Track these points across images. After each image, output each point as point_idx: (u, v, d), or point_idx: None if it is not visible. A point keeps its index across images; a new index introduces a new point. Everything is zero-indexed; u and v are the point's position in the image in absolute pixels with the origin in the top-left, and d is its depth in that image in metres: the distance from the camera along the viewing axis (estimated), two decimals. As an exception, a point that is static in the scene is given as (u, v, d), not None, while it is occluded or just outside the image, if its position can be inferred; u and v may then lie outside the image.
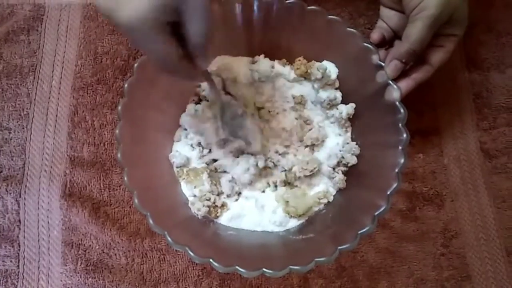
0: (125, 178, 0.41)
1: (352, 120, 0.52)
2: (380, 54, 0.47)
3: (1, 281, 0.52)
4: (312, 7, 0.47)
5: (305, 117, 0.53)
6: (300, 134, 0.52)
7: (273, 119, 0.53)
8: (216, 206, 0.48)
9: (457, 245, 0.54)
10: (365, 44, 0.46)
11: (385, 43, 0.50)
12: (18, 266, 0.52)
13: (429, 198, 0.55)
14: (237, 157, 0.50)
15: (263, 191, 0.50)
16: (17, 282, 0.52)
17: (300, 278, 0.52)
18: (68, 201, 0.53)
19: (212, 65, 0.51)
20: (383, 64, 0.46)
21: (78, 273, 0.52)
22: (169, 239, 0.39)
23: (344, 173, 0.50)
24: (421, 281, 0.52)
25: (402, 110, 0.44)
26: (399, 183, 0.42)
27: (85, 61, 0.59)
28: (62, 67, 0.59)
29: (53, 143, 0.56)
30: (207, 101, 0.52)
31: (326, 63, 0.52)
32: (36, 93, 0.58)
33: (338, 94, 0.52)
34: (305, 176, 0.50)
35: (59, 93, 0.58)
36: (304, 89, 0.54)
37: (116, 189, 0.55)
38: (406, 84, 0.46)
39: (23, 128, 0.57)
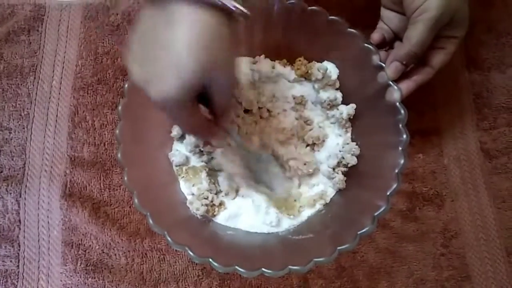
0: (125, 178, 0.41)
1: (352, 120, 0.52)
2: (381, 55, 0.47)
3: (1, 281, 0.52)
4: (313, 7, 0.47)
5: (306, 117, 0.53)
6: (300, 134, 0.52)
7: (273, 119, 0.53)
8: (214, 204, 0.48)
9: (457, 245, 0.54)
10: (366, 44, 0.46)
11: (386, 44, 0.50)
12: (18, 266, 0.53)
13: (429, 198, 0.55)
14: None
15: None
16: (17, 282, 0.52)
17: (300, 278, 0.52)
18: (68, 201, 0.54)
19: None
20: (383, 65, 0.46)
21: (78, 273, 0.52)
22: (168, 239, 0.39)
23: (344, 173, 0.50)
24: (421, 281, 0.52)
25: (402, 111, 0.44)
26: (399, 184, 0.42)
27: (85, 61, 0.59)
28: (63, 67, 0.59)
29: (54, 143, 0.57)
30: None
31: (326, 64, 0.52)
32: (36, 93, 0.58)
33: (339, 95, 0.52)
34: (304, 175, 0.50)
35: (59, 93, 0.58)
36: (305, 89, 0.54)
37: (116, 189, 0.55)
38: (406, 85, 0.46)
39: (24, 128, 0.57)
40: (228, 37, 0.32)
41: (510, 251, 0.54)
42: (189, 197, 0.49)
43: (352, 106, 0.51)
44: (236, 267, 0.39)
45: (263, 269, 0.39)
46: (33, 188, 0.55)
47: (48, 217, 0.54)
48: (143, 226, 0.53)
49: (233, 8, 0.31)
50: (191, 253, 0.39)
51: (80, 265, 0.52)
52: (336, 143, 0.52)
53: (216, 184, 0.50)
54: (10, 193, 0.54)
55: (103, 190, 0.55)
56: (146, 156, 0.47)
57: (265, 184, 0.50)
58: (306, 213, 0.49)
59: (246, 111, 0.53)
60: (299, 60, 0.52)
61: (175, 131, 0.51)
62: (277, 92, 0.53)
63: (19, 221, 0.54)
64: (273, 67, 0.53)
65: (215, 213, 0.49)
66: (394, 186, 0.42)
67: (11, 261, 0.53)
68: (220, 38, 0.31)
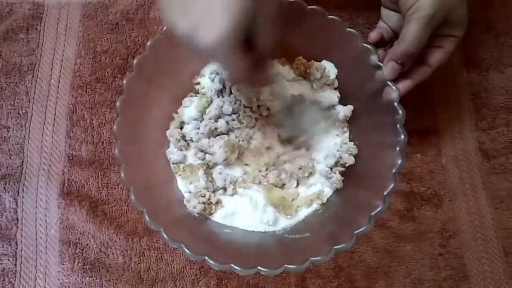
0: (122, 175, 0.41)
1: (350, 120, 0.52)
2: (380, 54, 0.47)
3: (-1, 279, 0.52)
4: (312, 6, 0.47)
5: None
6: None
7: (272, 118, 0.53)
8: (211, 203, 0.48)
9: (454, 245, 0.54)
10: (365, 44, 0.46)
11: (385, 43, 0.50)
12: (15, 264, 0.53)
13: (427, 198, 0.55)
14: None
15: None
16: (15, 280, 0.52)
17: (298, 278, 0.52)
18: (66, 200, 0.54)
19: (211, 64, 0.52)
20: (381, 64, 0.46)
21: (76, 271, 0.52)
22: (165, 236, 0.39)
23: (342, 173, 0.50)
24: (418, 281, 0.52)
25: (400, 111, 0.44)
26: (396, 184, 0.42)
27: (84, 59, 0.59)
28: (61, 66, 0.59)
29: (52, 141, 0.57)
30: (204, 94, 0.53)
31: (325, 63, 0.52)
32: (34, 92, 0.58)
33: (336, 95, 0.52)
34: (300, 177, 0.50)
35: (57, 92, 0.58)
36: (303, 88, 0.54)
37: (114, 188, 0.55)
38: (404, 84, 0.46)
39: (22, 127, 0.57)
40: None
41: (508, 251, 0.54)
42: (186, 195, 0.49)
43: (350, 108, 0.51)
44: (232, 265, 0.39)
45: (259, 267, 0.39)
46: (31, 186, 0.55)
47: (45, 215, 0.54)
48: (140, 225, 0.53)
49: None
50: (187, 250, 0.39)
51: (78, 264, 0.52)
52: (334, 143, 0.52)
53: (213, 182, 0.50)
54: (8, 192, 0.54)
55: (101, 189, 0.55)
56: (143, 153, 0.47)
57: (307, 132, 0.51)
58: (303, 212, 0.49)
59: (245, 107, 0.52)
60: (298, 59, 0.52)
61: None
62: (276, 91, 0.53)
63: (17, 219, 0.54)
64: (272, 66, 0.53)
65: (212, 211, 0.48)
66: (392, 186, 0.42)
67: (8, 259, 0.53)
68: None
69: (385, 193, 0.41)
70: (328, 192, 0.50)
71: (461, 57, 0.60)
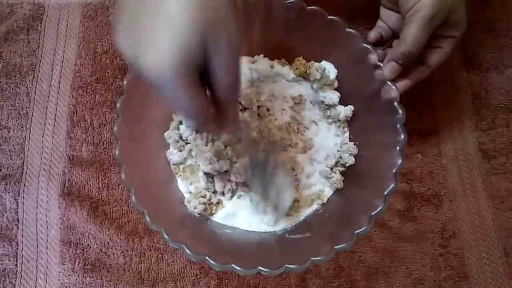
0: (123, 176, 0.41)
1: (351, 120, 0.52)
2: (379, 53, 0.47)
3: (-1, 280, 0.52)
4: (312, 7, 0.47)
5: (303, 117, 0.53)
6: (298, 133, 0.52)
7: (271, 118, 0.53)
8: (212, 203, 0.48)
9: (455, 245, 0.54)
10: (364, 44, 0.47)
11: (384, 43, 0.50)
12: (16, 265, 0.53)
13: (427, 198, 0.55)
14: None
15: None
16: (15, 281, 0.52)
17: (298, 278, 0.52)
18: (66, 200, 0.54)
19: None
20: (381, 64, 0.46)
21: (76, 272, 0.52)
22: (166, 236, 0.39)
23: (342, 173, 0.50)
24: (419, 281, 0.52)
25: (400, 111, 0.44)
26: (397, 184, 0.42)
27: (84, 60, 0.59)
28: (62, 66, 0.59)
29: (52, 142, 0.57)
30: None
31: (325, 64, 0.52)
32: (35, 92, 0.58)
33: (337, 95, 0.52)
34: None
35: (58, 92, 0.58)
36: (303, 89, 0.54)
37: (115, 188, 0.55)
38: (402, 84, 0.46)
39: (22, 127, 0.57)
40: None
41: (508, 251, 0.54)
42: (186, 196, 0.49)
43: (350, 108, 0.51)
44: (233, 265, 0.39)
45: (260, 267, 0.39)
46: (31, 187, 0.55)
47: (46, 216, 0.54)
48: (141, 225, 0.53)
49: None
50: (188, 251, 0.39)
51: (78, 264, 0.52)
52: (334, 143, 0.52)
53: (213, 183, 0.50)
54: (9, 192, 0.54)
55: (101, 189, 0.55)
56: (144, 154, 0.47)
57: (272, 195, 0.46)
58: (304, 212, 0.50)
59: (245, 109, 0.52)
60: (298, 60, 0.52)
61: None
62: (276, 91, 0.53)
63: (18, 220, 0.54)
64: (272, 67, 0.53)
65: (212, 212, 0.49)
66: (392, 186, 0.42)
67: (9, 260, 0.53)
68: None
69: (385, 193, 0.41)
70: (328, 192, 0.50)
71: (461, 57, 0.60)
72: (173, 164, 0.51)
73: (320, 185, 0.51)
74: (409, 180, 0.56)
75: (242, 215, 0.49)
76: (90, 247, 0.53)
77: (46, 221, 0.54)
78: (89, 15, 0.61)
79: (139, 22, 0.28)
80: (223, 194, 0.49)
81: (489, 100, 0.59)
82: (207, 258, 0.39)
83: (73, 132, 0.57)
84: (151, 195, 0.44)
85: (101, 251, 0.53)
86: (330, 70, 0.51)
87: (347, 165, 0.49)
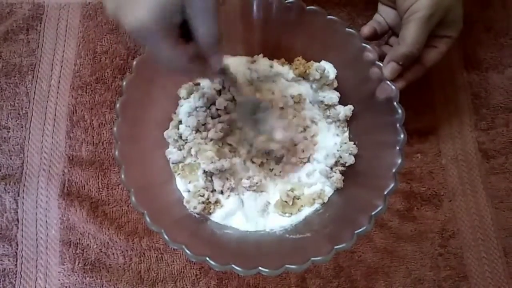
0: (122, 176, 0.41)
1: (350, 120, 0.52)
2: (375, 50, 0.47)
3: (-1, 280, 0.52)
4: (312, 7, 0.47)
5: (303, 117, 0.53)
6: (297, 133, 0.52)
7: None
8: (210, 202, 0.48)
9: (454, 245, 0.54)
10: (364, 44, 0.47)
11: (378, 37, 0.51)
12: (16, 265, 0.53)
13: (427, 198, 0.55)
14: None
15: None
16: (15, 281, 0.52)
17: (298, 278, 0.52)
18: (66, 200, 0.54)
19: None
20: (377, 61, 0.46)
21: (76, 272, 0.52)
22: (166, 237, 0.39)
23: (342, 172, 0.50)
24: (418, 281, 0.53)
25: (399, 111, 0.44)
26: (396, 183, 0.42)
27: (84, 60, 0.59)
28: (61, 66, 0.59)
29: (52, 142, 0.57)
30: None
31: (324, 64, 0.52)
32: (35, 92, 0.58)
33: (336, 95, 0.52)
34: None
35: (58, 92, 0.58)
36: (303, 88, 0.54)
37: (114, 188, 0.55)
38: (397, 84, 0.46)
39: (22, 127, 0.57)
40: None
41: (508, 251, 0.54)
42: (185, 195, 0.49)
43: (350, 108, 0.51)
44: (233, 265, 0.39)
45: (259, 268, 0.39)
46: (31, 187, 0.55)
47: (46, 216, 0.54)
48: (141, 225, 0.53)
49: None
50: (188, 251, 0.39)
51: (78, 264, 0.52)
52: (334, 143, 0.52)
53: (212, 182, 0.50)
54: (8, 192, 0.54)
55: (101, 189, 0.55)
56: (143, 154, 0.47)
57: (266, 132, 0.48)
58: (304, 212, 0.50)
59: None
60: (297, 60, 0.52)
61: (182, 92, 0.51)
62: (276, 91, 0.53)
63: (17, 220, 0.54)
64: (271, 66, 0.53)
65: (211, 211, 0.49)
66: (392, 185, 0.42)
67: (9, 260, 0.53)
68: None
69: (385, 193, 0.42)
70: (328, 191, 0.50)
71: (460, 57, 0.60)
72: (172, 163, 0.51)
73: (321, 185, 0.51)
74: (409, 180, 0.56)
75: (241, 215, 0.49)
76: (90, 247, 0.53)
77: (46, 221, 0.54)
78: (89, 15, 0.61)
79: None
80: (221, 192, 0.49)
81: (488, 100, 0.59)
82: (207, 258, 0.39)
83: (73, 132, 0.56)
84: (150, 195, 0.44)
85: (101, 251, 0.53)
86: (330, 70, 0.51)
87: (347, 164, 0.49)
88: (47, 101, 0.58)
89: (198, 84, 0.52)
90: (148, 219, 0.40)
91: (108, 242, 0.53)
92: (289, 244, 0.47)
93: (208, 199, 0.48)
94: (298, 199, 0.50)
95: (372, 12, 0.52)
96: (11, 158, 0.56)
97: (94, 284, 0.52)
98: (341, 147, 0.51)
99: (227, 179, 0.49)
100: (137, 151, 0.46)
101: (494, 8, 0.62)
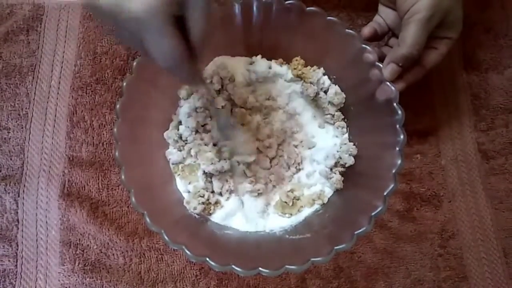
0: (122, 177, 0.41)
1: (350, 120, 0.52)
2: (376, 50, 0.47)
3: (-1, 281, 0.52)
4: (311, 8, 0.47)
5: (302, 116, 0.53)
6: (295, 133, 0.52)
7: (269, 118, 0.53)
8: (210, 203, 0.48)
9: (454, 246, 0.54)
10: (364, 45, 0.47)
11: (379, 38, 0.51)
12: (16, 265, 0.53)
13: (426, 199, 0.55)
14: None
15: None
16: (15, 281, 0.52)
17: (298, 278, 0.52)
18: (66, 201, 0.54)
19: (210, 65, 0.52)
20: (377, 62, 0.46)
21: (76, 272, 0.52)
22: (166, 237, 0.39)
23: (342, 173, 0.50)
24: (418, 281, 0.53)
25: (399, 111, 0.44)
26: (396, 184, 0.42)
27: (84, 61, 0.59)
28: (61, 67, 0.59)
29: (52, 142, 0.57)
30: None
31: (318, 74, 0.51)
32: (35, 93, 0.58)
33: (326, 80, 0.52)
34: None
35: (58, 93, 0.58)
36: (299, 88, 0.54)
37: (115, 189, 0.55)
38: (397, 85, 0.46)
39: (22, 128, 0.57)
40: None
41: (507, 252, 0.54)
42: (185, 195, 0.49)
43: (338, 90, 0.51)
44: (233, 266, 0.39)
45: (260, 268, 0.39)
46: (31, 187, 0.55)
47: (46, 216, 0.54)
48: (141, 226, 0.53)
49: None
50: (188, 252, 0.39)
51: (78, 265, 0.52)
52: (334, 143, 0.52)
53: (212, 183, 0.50)
54: (9, 193, 0.54)
55: (101, 190, 0.55)
56: (144, 155, 0.47)
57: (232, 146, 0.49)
58: (304, 212, 0.50)
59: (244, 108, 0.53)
60: (296, 60, 0.52)
61: (182, 92, 0.51)
62: (274, 91, 0.54)
63: (17, 220, 0.54)
64: (270, 67, 0.53)
65: (211, 212, 0.49)
66: (391, 186, 0.42)
67: (9, 260, 0.53)
68: None
69: (385, 194, 0.42)
70: (328, 192, 0.50)
71: (460, 58, 0.60)
72: (172, 164, 0.51)
73: (320, 185, 0.51)
74: (409, 181, 0.56)
75: (241, 216, 0.49)
76: (90, 247, 0.53)
77: (46, 222, 0.54)
78: (89, 15, 0.61)
79: None
80: (221, 194, 0.49)
81: (488, 100, 0.59)
82: (207, 259, 0.39)
83: (73, 133, 0.57)
84: (150, 196, 0.44)
85: (101, 252, 0.53)
86: (325, 81, 0.51)
87: (346, 165, 0.50)
88: (47, 102, 0.58)
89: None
90: (148, 219, 0.40)
91: (108, 243, 0.53)
92: (289, 244, 0.47)
93: (208, 199, 0.48)
94: (298, 200, 0.50)
95: (372, 13, 0.52)
96: (11, 159, 0.56)
97: (94, 285, 0.52)
98: (340, 148, 0.51)
99: (227, 181, 0.49)
100: (137, 151, 0.46)
101: (493, 10, 0.62)
